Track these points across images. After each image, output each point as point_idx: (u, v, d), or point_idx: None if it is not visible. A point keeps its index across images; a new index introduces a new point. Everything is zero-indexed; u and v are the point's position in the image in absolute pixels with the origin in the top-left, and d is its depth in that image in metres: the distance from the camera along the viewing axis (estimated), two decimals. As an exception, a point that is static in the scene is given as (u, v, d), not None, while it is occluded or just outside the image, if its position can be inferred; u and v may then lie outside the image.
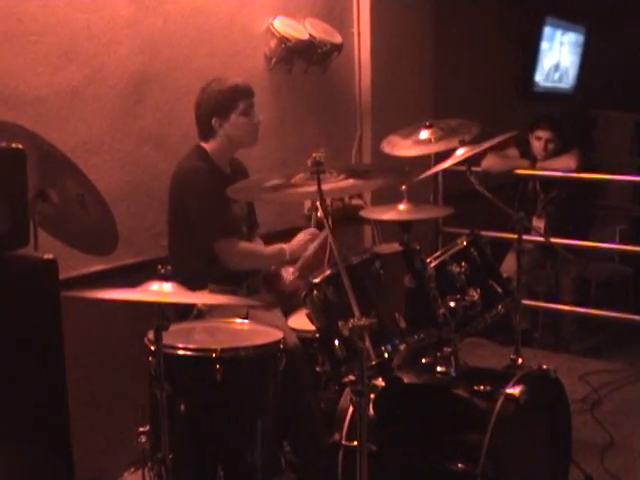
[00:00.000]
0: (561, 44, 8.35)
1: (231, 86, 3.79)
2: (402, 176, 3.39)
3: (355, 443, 2.62)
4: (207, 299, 3.46)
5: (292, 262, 3.81)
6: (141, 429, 3.03)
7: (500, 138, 4.15)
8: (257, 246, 3.98)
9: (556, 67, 8.39)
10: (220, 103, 3.79)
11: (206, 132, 3.84)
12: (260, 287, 3.97)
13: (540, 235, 5.74)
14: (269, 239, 4.17)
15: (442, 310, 3.04)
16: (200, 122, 3.85)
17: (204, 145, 3.85)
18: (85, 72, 3.84)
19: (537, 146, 5.96)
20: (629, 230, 7.70)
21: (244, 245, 3.82)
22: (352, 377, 2.55)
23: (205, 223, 3.70)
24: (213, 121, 3.80)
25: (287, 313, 3.78)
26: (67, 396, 2.37)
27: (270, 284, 4.03)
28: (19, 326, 2.25)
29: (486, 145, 4.11)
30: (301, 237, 3.90)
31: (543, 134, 5.94)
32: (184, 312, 3.60)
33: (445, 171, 5.80)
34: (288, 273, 3.97)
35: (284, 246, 3.86)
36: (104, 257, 3.51)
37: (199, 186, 3.73)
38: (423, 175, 4.26)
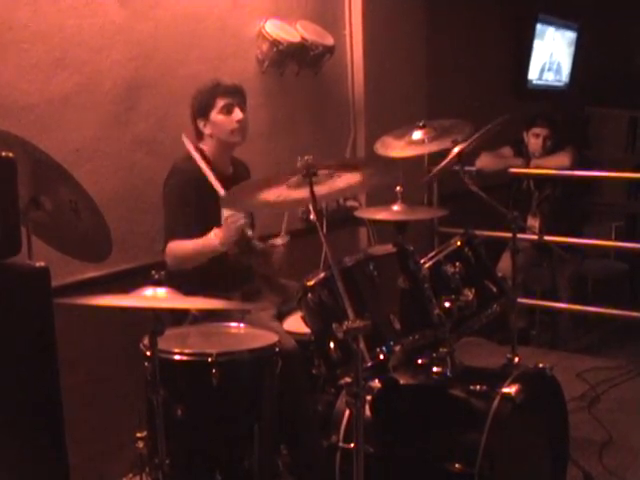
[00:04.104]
0: (554, 41, 8.35)
1: (211, 85, 3.82)
2: (395, 172, 3.38)
3: (352, 445, 2.63)
4: (201, 304, 3.45)
5: (227, 249, 3.61)
6: (138, 434, 3.03)
7: (495, 123, 4.12)
8: (183, 242, 3.67)
9: (549, 64, 8.39)
10: (200, 103, 3.83)
11: (197, 134, 3.89)
12: (257, 294, 3.96)
13: (535, 234, 5.75)
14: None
15: (437, 311, 3.04)
16: (192, 124, 3.89)
17: (202, 146, 3.87)
18: (77, 79, 3.84)
19: (534, 143, 5.97)
20: (624, 227, 7.72)
21: (176, 244, 3.66)
22: (348, 379, 2.55)
23: (166, 223, 3.74)
24: (198, 122, 3.84)
25: (283, 316, 3.78)
26: (61, 404, 2.36)
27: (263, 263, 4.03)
28: (11, 335, 2.24)
29: (477, 135, 4.09)
30: (227, 219, 3.64)
31: (541, 131, 5.96)
32: (180, 317, 3.60)
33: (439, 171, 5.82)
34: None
35: (212, 234, 3.62)
36: (98, 263, 3.52)
37: (171, 185, 3.76)
38: (429, 176, 4.25)
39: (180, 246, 3.63)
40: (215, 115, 3.80)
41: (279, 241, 3.92)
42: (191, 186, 3.69)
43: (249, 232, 3.61)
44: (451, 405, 3.23)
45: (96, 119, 3.94)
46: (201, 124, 3.84)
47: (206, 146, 3.87)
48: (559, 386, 3.37)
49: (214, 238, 3.56)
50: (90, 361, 3.94)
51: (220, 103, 3.79)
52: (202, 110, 3.82)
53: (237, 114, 3.82)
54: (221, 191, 3.56)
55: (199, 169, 3.75)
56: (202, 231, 3.61)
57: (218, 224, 3.65)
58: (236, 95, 3.85)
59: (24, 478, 2.34)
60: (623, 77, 8.73)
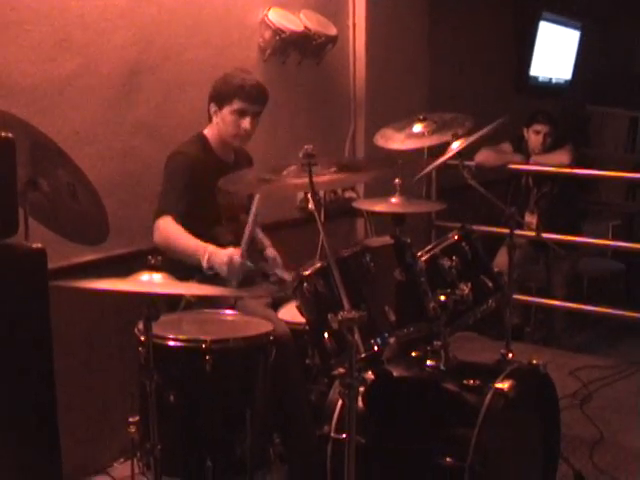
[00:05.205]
0: (557, 39, 8.34)
1: (237, 84, 3.77)
2: (394, 167, 3.37)
3: (344, 436, 2.62)
4: (196, 290, 3.45)
5: (209, 268, 3.49)
6: (131, 419, 3.03)
7: (492, 125, 4.13)
8: (180, 234, 3.60)
9: (552, 62, 8.38)
10: (220, 92, 3.81)
11: (208, 114, 3.88)
12: (253, 279, 3.95)
13: (532, 230, 5.75)
14: (263, 231, 4.18)
15: (432, 304, 3.03)
16: (207, 103, 3.89)
17: (205, 131, 3.86)
18: (79, 61, 3.83)
19: (535, 140, 5.97)
20: (622, 226, 7.72)
21: (170, 225, 3.60)
22: (342, 370, 2.55)
23: (160, 196, 3.70)
24: (211, 105, 3.83)
25: (278, 304, 3.77)
26: (55, 387, 2.36)
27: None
28: (6, 316, 2.24)
29: (479, 134, 4.10)
30: (225, 254, 3.50)
31: (542, 128, 5.96)
32: (174, 302, 3.59)
33: (439, 165, 5.82)
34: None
35: (207, 249, 3.52)
36: (96, 247, 3.51)
37: (173, 164, 3.75)
38: (420, 174, 4.27)
39: (171, 232, 3.59)
40: (227, 112, 3.78)
41: (286, 277, 3.88)
42: (191, 170, 3.69)
43: (233, 284, 3.53)
44: (444, 399, 3.22)
45: (97, 102, 3.93)
46: (212, 109, 3.84)
47: (211, 132, 3.87)
48: (552, 383, 3.37)
49: (204, 256, 3.49)
50: (84, 345, 3.94)
51: (236, 105, 3.76)
52: (218, 99, 3.81)
53: (247, 123, 3.78)
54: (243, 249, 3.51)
55: (201, 154, 3.74)
56: (192, 216, 3.62)
57: (211, 211, 3.65)
58: (255, 104, 3.81)
59: (15, 462, 2.33)
60: (625, 77, 8.73)
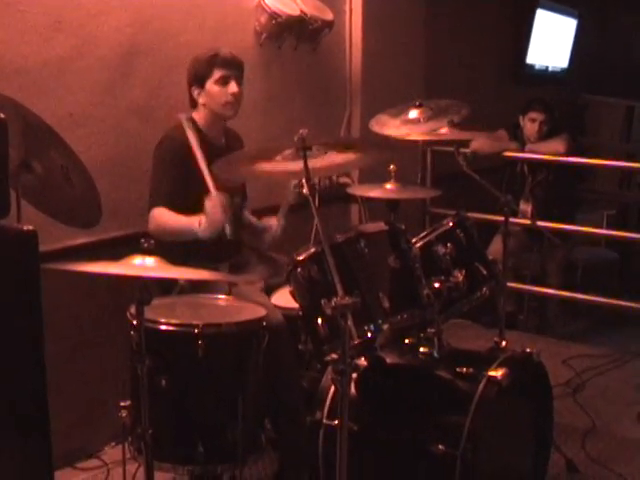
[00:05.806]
0: (554, 27, 8.31)
1: (210, 55, 3.76)
2: (392, 150, 3.35)
3: (336, 422, 2.62)
4: (189, 274, 3.43)
5: (207, 234, 3.47)
6: (122, 403, 3.02)
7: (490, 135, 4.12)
8: (172, 216, 3.60)
9: (548, 50, 8.35)
10: (197, 71, 3.78)
11: (191, 101, 3.85)
12: (245, 266, 3.94)
13: (527, 218, 5.75)
14: (255, 215, 4.16)
15: (426, 291, 3.03)
16: (187, 91, 3.85)
17: (194, 115, 3.83)
18: (73, 43, 3.80)
19: (530, 128, 5.96)
20: (616, 216, 7.72)
21: (163, 213, 3.60)
22: (334, 356, 2.54)
23: (152, 187, 3.68)
24: (192, 89, 3.80)
25: (271, 290, 3.76)
26: (45, 370, 2.35)
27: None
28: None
29: (473, 134, 4.10)
30: (208, 206, 3.48)
31: (538, 116, 5.95)
32: (167, 287, 3.58)
33: (434, 151, 5.81)
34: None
35: (198, 217, 3.50)
36: (88, 229, 3.49)
37: (161, 151, 3.73)
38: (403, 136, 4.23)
39: (164, 218, 3.58)
40: (210, 85, 3.76)
41: (274, 223, 3.90)
42: (180, 154, 3.65)
43: (227, 229, 3.52)
44: (437, 386, 3.23)
45: (91, 84, 3.91)
46: (195, 92, 3.79)
47: (198, 116, 3.83)
48: (545, 371, 3.37)
49: (197, 226, 3.46)
50: (76, 328, 3.92)
51: (217, 74, 3.74)
52: (198, 78, 3.77)
53: (232, 87, 3.76)
54: (212, 188, 3.50)
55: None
56: (186, 201, 3.58)
57: (201, 195, 3.62)
58: (234, 68, 3.79)
59: (4, 446, 2.32)
60: (621, 66, 8.71)
